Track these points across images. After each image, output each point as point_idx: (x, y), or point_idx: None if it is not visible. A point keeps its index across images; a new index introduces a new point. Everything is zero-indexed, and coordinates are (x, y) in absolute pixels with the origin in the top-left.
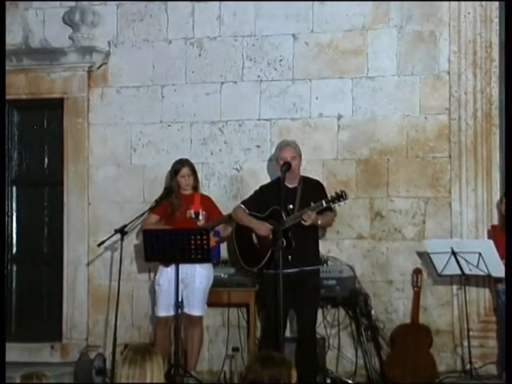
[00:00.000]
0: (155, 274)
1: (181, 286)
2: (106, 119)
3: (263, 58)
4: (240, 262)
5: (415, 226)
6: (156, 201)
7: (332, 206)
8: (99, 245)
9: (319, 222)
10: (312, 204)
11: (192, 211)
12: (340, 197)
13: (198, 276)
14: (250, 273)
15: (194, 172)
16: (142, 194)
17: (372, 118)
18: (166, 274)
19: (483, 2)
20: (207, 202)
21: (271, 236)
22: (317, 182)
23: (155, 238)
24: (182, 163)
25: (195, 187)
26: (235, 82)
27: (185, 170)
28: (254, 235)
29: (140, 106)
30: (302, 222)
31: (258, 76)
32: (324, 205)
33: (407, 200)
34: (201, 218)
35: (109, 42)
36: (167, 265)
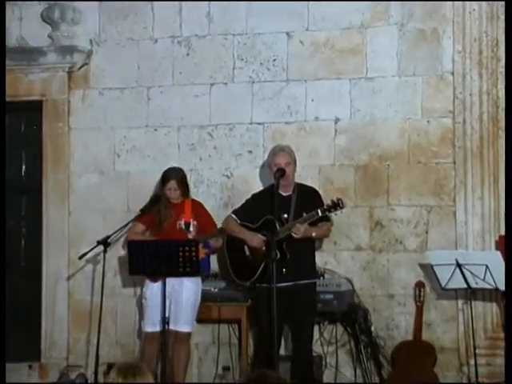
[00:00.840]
0: (141, 288)
1: (168, 301)
2: (87, 123)
3: (255, 58)
4: (231, 275)
5: (417, 237)
6: (142, 210)
7: (328, 215)
8: (80, 257)
9: (313, 235)
10: (304, 214)
11: (182, 222)
12: (336, 205)
13: (186, 290)
14: (241, 287)
15: (182, 184)
16: (127, 203)
17: (371, 121)
18: (153, 287)
19: None
20: (199, 209)
21: (264, 248)
22: (313, 189)
23: (140, 249)
24: (169, 175)
25: (186, 194)
26: (225, 83)
27: (171, 184)
28: (246, 247)
29: (124, 109)
30: (293, 236)
31: (250, 77)
32: (319, 214)
33: (409, 209)
34: (191, 229)
35: (91, 41)
36: (154, 280)
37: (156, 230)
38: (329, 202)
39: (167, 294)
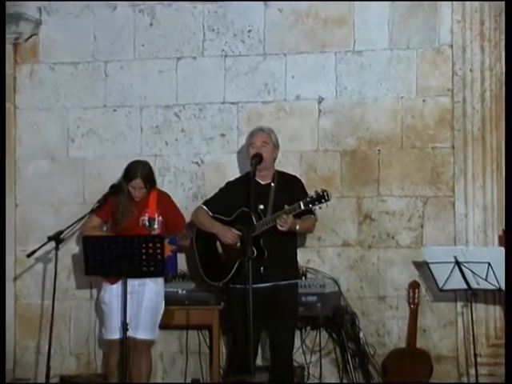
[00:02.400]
0: (99, 291)
1: (129, 304)
2: (36, 102)
3: (228, 29)
4: (202, 275)
5: (412, 231)
6: (99, 201)
7: (312, 208)
8: (29, 255)
9: (297, 228)
10: (286, 206)
11: (146, 217)
12: (321, 198)
13: (148, 292)
14: (213, 288)
15: (148, 180)
16: (82, 194)
17: (360, 100)
18: (111, 290)
19: None
20: (165, 203)
21: (239, 244)
22: (294, 177)
23: (98, 246)
24: (135, 173)
25: (152, 188)
26: (194, 57)
27: (136, 183)
28: (218, 243)
29: (79, 87)
30: (279, 228)
31: (222, 50)
32: (302, 207)
33: (402, 200)
34: (156, 225)
35: (39, 9)
36: (112, 281)
37: (116, 226)
38: (312, 194)
39: (127, 295)
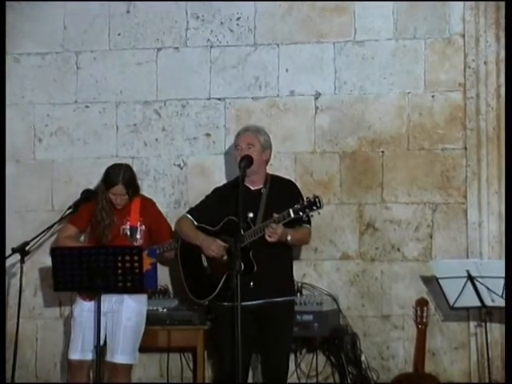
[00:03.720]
0: (71, 307)
1: (103, 322)
2: None
3: (214, 17)
4: (186, 291)
5: (419, 242)
6: (71, 207)
7: (303, 216)
8: None
9: (288, 238)
10: (275, 215)
11: (127, 226)
12: (313, 204)
13: (126, 311)
14: (198, 306)
15: (131, 186)
16: (50, 200)
17: (361, 96)
18: (83, 305)
19: None
20: (149, 210)
21: (226, 257)
22: (289, 182)
23: (68, 259)
24: (115, 178)
25: (135, 195)
26: (176, 47)
27: (117, 189)
28: (203, 256)
29: (47, 81)
30: (267, 239)
31: (208, 40)
32: (292, 215)
33: (408, 207)
34: (138, 235)
35: None
36: (86, 298)
37: (94, 235)
38: (303, 201)
39: (102, 314)
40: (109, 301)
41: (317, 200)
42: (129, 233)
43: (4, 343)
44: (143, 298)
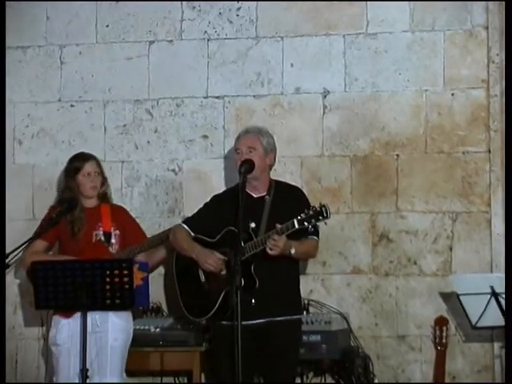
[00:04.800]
0: (48, 328)
1: (88, 344)
2: None
3: (212, 7)
4: (181, 309)
5: (438, 255)
6: (51, 220)
7: (309, 227)
8: None
9: (292, 252)
10: (277, 225)
11: (100, 231)
12: (319, 214)
13: (112, 329)
14: (194, 325)
15: (101, 170)
16: (31, 208)
17: (374, 94)
18: (66, 327)
19: None
20: (121, 215)
21: (224, 271)
22: (295, 188)
23: (51, 273)
24: (83, 157)
25: (103, 195)
26: (170, 40)
27: (90, 166)
28: (200, 270)
29: (28, 77)
30: (268, 252)
31: (205, 32)
32: (296, 226)
33: (426, 216)
34: (113, 240)
35: None
36: (67, 314)
37: (67, 245)
38: (308, 210)
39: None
40: (92, 318)
41: (323, 209)
42: (103, 238)
43: (4, 344)
44: (128, 314)
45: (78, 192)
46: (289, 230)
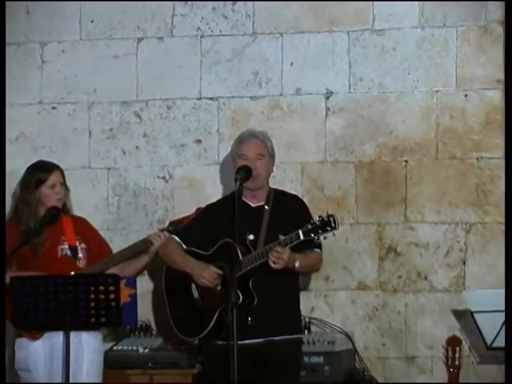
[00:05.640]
0: (13, 351)
1: (56, 367)
2: None
3: (205, 1)
4: (172, 328)
5: (450, 269)
6: (30, 230)
7: (315, 239)
8: None
9: (296, 265)
10: (281, 236)
11: (65, 245)
12: (326, 224)
13: (87, 351)
14: (186, 345)
15: (65, 180)
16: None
17: (380, 95)
18: (35, 351)
19: None
20: (84, 227)
21: (220, 287)
22: (296, 198)
23: (30, 290)
24: (47, 167)
25: (63, 206)
26: (161, 37)
27: (55, 177)
28: (193, 286)
29: (6, 77)
30: (271, 265)
31: (198, 29)
32: (301, 237)
33: (437, 227)
34: (80, 255)
35: None
36: (34, 335)
37: (27, 262)
38: (315, 220)
39: (56, 358)
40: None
41: (331, 219)
42: (69, 253)
43: (4, 345)
44: (99, 333)
45: (39, 206)
46: (293, 242)
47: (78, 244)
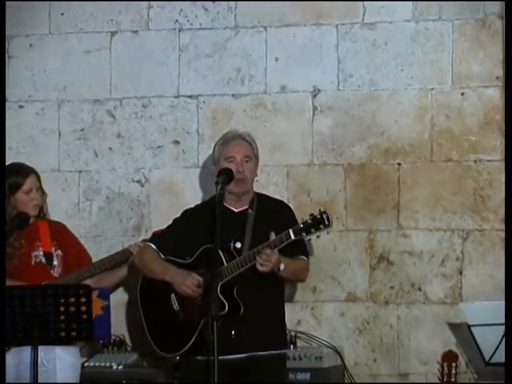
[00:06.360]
0: None
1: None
2: None
3: None
4: (149, 343)
5: (446, 280)
6: None
7: (308, 238)
8: None
9: (281, 268)
10: (272, 234)
11: (40, 251)
12: (319, 222)
13: (61, 367)
14: (163, 361)
15: (41, 184)
16: None
17: (371, 93)
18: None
19: None
20: (62, 233)
21: (201, 298)
22: (280, 203)
23: None
24: (22, 171)
25: (39, 211)
26: (135, 31)
27: (31, 182)
28: (173, 296)
29: None
30: (259, 268)
31: (176, 21)
32: (292, 237)
33: (432, 234)
34: (56, 262)
35: None
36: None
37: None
38: (307, 218)
39: (22, 371)
40: (38, 357)
41: (324, 216)
42: (44, 260)
43: (4, 345)
44: (76, 348)
45: (14, 213)
46: (283, 243)
47: (53, 251)
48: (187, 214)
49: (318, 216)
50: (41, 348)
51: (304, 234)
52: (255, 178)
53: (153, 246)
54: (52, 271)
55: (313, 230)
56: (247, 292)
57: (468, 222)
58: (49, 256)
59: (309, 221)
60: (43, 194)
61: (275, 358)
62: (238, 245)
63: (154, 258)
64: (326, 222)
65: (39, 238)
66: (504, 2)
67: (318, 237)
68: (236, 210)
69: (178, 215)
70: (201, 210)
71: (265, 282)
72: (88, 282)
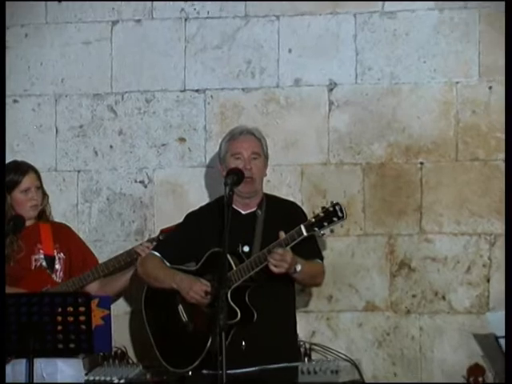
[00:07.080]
0: None
1: None
2: None
3: None
4: (155, 357)
5: (472, 288)
6: None
7: (321, 234)
8: None
9: (298, 269)
10: (281, 233)
11: (41, 255)
12: (331, 214)
13: (63, 382)
14: (168, 375)
15: (41, 184)
16: None
17: (392, 87)
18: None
19: None
20: (65, 235)
21: (209, 305)
22: (292, 204)
23: None
24: (20, 168)
25: (41, 213)
26: (138, 20)
27: (29, 180)
28: (181, 308)
29: None
30: (272, 269)
31: (182, 10)
32: (303, 233)
33: (457, 239)
34: (58, 266)
35: None
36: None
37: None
38: (318, 212)
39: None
40: (38, 369)
41: (337, 208)
42: (45, 263)
43: (4, 345)
44: (78, 361)
45: (11, 213)
46: (295, 241)
47: (55, 253)
48: (191, 217)
49: (331, 208)
50: (41, 360)
51: (316, 229)
52: (265, 179)
53: (156, 253)
54: (54, 276)
55: (326, 224)
56: (258, 298)
57: (496, 226)
58: (50, 259)
59: (320, 214)
60: (45, 194)
61: (287, 371)
62: (246, 248)
63: (157, 266)
64: (340, 214)
65: (40, 240)
66: (504, 2)
67: (331, 231)
68: (243, 212)
69: (183, 219)
70: (206, 213)
71: (276, 287)
72: (92, 288)
